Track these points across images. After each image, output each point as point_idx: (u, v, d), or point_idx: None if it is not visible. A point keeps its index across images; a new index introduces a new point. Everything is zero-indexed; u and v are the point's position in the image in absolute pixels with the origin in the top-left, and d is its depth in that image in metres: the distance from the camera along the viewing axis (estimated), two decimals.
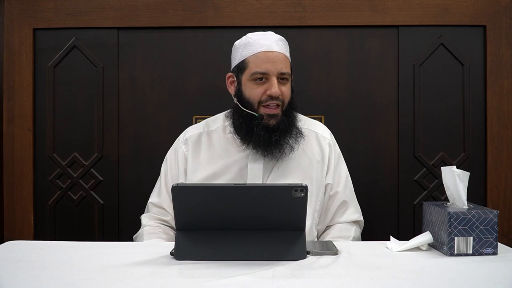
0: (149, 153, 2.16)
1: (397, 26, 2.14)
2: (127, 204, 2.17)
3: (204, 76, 2.16)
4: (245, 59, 1.60)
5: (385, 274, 1.07)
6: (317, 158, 1.66)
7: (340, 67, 2.16)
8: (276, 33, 1.65)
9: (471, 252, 1.21)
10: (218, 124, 1.71)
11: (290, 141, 1.60)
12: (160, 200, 1.68)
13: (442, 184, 1.36)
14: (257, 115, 1.57)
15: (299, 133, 1.63)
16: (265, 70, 1.56)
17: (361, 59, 2.16)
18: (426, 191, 2.16)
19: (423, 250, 1.28)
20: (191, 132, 1.73)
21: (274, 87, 1.55)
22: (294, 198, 1.14)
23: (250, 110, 1.57)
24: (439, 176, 2.11)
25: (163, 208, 1.67)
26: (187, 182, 1.65)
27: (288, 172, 1.62)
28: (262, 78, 1.57)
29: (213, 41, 2.15)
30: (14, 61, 2.17)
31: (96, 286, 1.01)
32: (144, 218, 1.70)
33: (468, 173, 1.28)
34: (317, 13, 2.13)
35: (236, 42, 1.66)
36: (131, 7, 2.15)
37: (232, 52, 1.69)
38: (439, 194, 2.15)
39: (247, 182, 1.58)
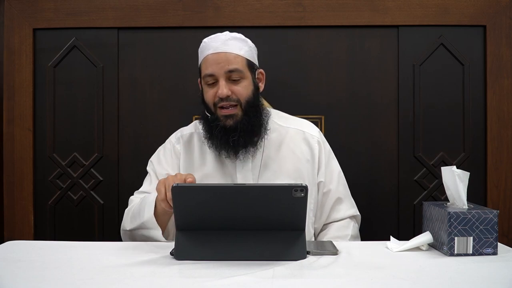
0: (149, 153, 2.13)
1: (397, 26, 2.14)
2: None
3: None
4: (199, 64, 1.63)
5: (385, 274, 1.07)
6: (306, 157, 1.65)
7: (340, 67, 2.16)
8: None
9: (471, 252, 1.21)
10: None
11: (257, 140, 1.60)
12: (151, 187, 1.63)
13: (442, 184, 1.36)
14: (209, 116, 1.58)
15: (266, 130, 1.62)
16: (211, 72, 1.56)
17: (361, 59, 2.16)
18: (426, 191, 2.16)
19: (423, 250, 1.28)
20: (182, 132, 1.73)
21: (220, 88, 1.54)
22: (294, 198, 1.14)
23: (209, 113, 1.59)
24: (439, 176, 2.11)
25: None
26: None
27: (279, 173, 1.61)
28: (212, 81, 1.57)
29: None
30: (14, 61, 2.17)
31: (96, 286, 1.01)
32: (135, 198, 1.64)
33: (468, 173, 1.28)
34: (317, 13, 2.14)
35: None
36: (131, 7, 2.15)
37: None
38: (439, 194, 2.15)
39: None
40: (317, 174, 1.66)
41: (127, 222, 1.56)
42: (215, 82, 1.57)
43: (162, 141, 1.80)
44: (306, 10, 2.14)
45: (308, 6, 2.13)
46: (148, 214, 1.45)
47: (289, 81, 2.15)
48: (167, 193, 1.30)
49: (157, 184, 1.36)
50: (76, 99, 2.20)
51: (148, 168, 1.72)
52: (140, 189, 1.69)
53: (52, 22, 2.17)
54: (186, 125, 1.82)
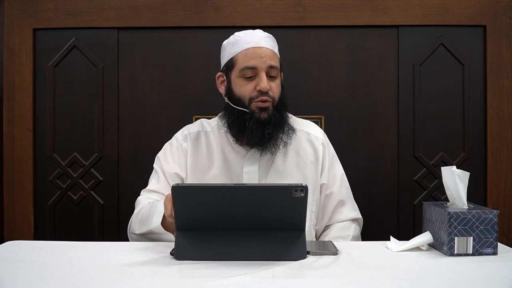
0: (149, 153, 2.14)
1: (397, 26, 2.14)
2: (127, 204, 2.17)
3: (204, 76, 2.16)
4: (233, 56, 1.60)
5: (385, 274, 1.07)
6: (310, 159, 1.65)
7: (340, 67, 2.16)
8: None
9: (471, 252, 1.21)
10: (213, 124, 1.71)
11: (283, 137, 1.60)
12: (159, 186, 1.63)
13: (442, 184, 1.36)
14: (247, 110, 1.56)
15: (290, 129, 1.63)
16: (254, 65, 1.55)
17: (361, 59, 2.16)
18: (426, 191, 2.16)
19: (423, 250, 1.28)
20: (189, 129, 1.72)
21: (264, 82, 1.54)
22: (294, 198, 1.14)
23: (241, 107, 1.57)
24: (439, 176, 2.11)
25: (163, 194, 1.62)
26: (187, 179, 1.64)
27: (284, 175, 1.61)
28: (251, 74, 1.57)
29: (213, 41, 2.15)
30: (14, 61, 2.17)
31: (96, 286, 1.00)
32: (143, 199, 1.62)
33: (468, 173, 1.28)
34: (317, 13, 2.14)
35: (224, 42, 1.67)
36: (131, 7, 2.15)
37: (221, 52, 1.69)
38: (439, 194, 2.15)
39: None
40: (320, 176, 1.66)
41: (136, 226, 1.54)
42: (253, 76, 1.56)
43: (162, 141, 1.80)
44: (306, 10, 2.14)
45: (308, 6, 2.13)
46: (156, 223, 1.43)
47: (289, 81, 2.14)
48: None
49: (164, 200, 1.35)
50: (76, 99, 2.20)
51: (155, 165, 1.70)
52: (148, 187, 1.67)
53: (52, 22, 2.17)
54: (186, 125, 1.81)
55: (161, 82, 2.18)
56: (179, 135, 1.72)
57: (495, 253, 1.22)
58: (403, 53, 2.15)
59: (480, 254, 1.21)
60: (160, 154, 1.71)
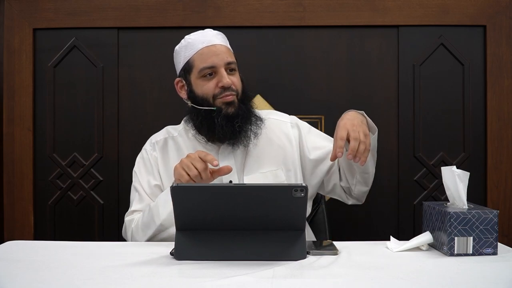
0: None
1: (397, 26, 2.14)
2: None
3: None
4: (189, 59, 1.60)
5: (385, 274, 1.07)
6: (284, 142, 1.65)
7: (340, 67, 2.16)
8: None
9: (471, 252, 1.21)
10: (179, 128, 1.69)
11: (252, 128, 1.60)
12: (142, 205, 1.60)
13: (442, 184, 1.36)
14: (214, 108, 1.56)
15: (259, 119, 1.63)
16: (212, 64, 1.56)
17: (361, 59, 2.16)
18: (426, 191, 2.16)
19: (423, 250, 1.28)
20: (155, 138, 1.70)
21: (225, 78, 1.55)
22: (294, 198, 1.14)
23: (206, 107, 1.57)
24: (439, 176, 2.11)
25: None
26: (163, 186, 1.61)
27: (261, 162, 1.61)
28: (211, 73, 1.57)
29: None
30: (14, 61, 2.17)
31: (96, 286, 1.00)
32: (133, 217, 1.59)
33: (468, 173, 1.28)
34: (317, 13, 2.14)
35: (176, 47, 1.66)
36: (131, 7, 2.16)
37: (174, 58, 1.68)
38: (439, 194, 2.15)
39: (223, 182, 1.56)
40: (309, 154, 1.64)
41: (140, 236, 1.52)
42: (213, 74, 1.57)
43: None
44: (306, 10, 2.14)
45: (308, 6, 2.13)
46: (165, 212, 1.44)
47: (289, 81, 2.15)
48: (190, 173, 1.36)
49: (175, 171, 1.40)
50: (76, 99, 2.20)
51: (134, 183, 1.66)
52: (131, 208, 1.63)
53: (52, 22, 2.17)
54: None
55: (161, 82, 2.18)
56: (147, 145, 1.70)
57: (495, 253, 1.22)
58: (403, 53, 2.15)
59: (480, 254, 1.21)
60: (135, 169, 1.68)
